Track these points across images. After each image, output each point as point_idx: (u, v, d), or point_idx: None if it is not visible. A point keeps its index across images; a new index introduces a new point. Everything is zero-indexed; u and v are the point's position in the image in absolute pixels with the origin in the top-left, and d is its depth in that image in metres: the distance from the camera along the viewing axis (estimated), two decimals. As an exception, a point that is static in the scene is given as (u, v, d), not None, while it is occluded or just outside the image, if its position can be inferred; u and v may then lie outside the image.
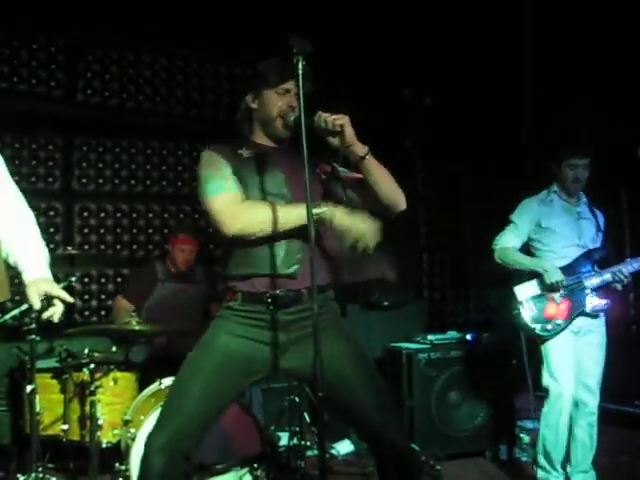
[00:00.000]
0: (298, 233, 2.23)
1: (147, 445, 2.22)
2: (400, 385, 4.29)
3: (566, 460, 3.63)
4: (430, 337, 4.54)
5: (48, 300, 2.36)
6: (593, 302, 3.56)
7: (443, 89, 5.72)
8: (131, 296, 4.52)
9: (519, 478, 3.89)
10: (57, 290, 2.38)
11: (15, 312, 3.70)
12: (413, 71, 5.58)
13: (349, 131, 2.28)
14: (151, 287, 4.47)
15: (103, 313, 5.21)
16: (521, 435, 4.38)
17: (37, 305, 2.32)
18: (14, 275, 2.50)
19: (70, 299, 2.42)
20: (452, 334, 4.63)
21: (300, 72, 2.08)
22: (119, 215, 5.34)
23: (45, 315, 2.37)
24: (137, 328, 3.67)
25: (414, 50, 5.25)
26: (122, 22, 4.86)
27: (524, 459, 3.78)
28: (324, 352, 2.11)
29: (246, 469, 3.34)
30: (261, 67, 2.48)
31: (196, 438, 2.28)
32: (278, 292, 2.31)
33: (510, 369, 4.37)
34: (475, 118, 5.61)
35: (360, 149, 2.33)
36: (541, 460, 3.63)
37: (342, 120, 2.27)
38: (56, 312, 2.38)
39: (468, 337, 4.58)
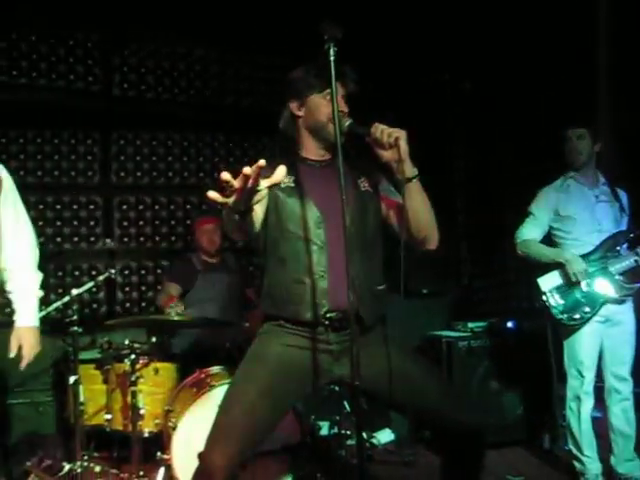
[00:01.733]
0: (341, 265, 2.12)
1: (206, 462, 2.16)
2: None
3: (608, 450, 3.58)
4: (470, 325, 4.50)
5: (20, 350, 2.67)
6: (620, 287, 3.48)
7: (483, 74, 5.63)
8: (176, 280, 4.53)
9: (561, 468, 3.83)
10: (28, 346, 2.68)
11: (58, 304, 3.78)
12: (452, 56, 5.50)
13: (404, 146, 2.22)
14: (190, 278, 4.50)
15: (143, 305, 5.28)
16: (563, 424, 4.31)
17: (12, 354, 2.65)
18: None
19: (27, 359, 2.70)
20: (493, 322, 4.57)
21: (332, 59, 2.05)
22: (157, 207, 5.40)
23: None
24: (177, 319, 3.70)
25: (453, 34, 5.16)
26: (156, 15, 4.88)
27: (567, 448, 3.73)
28: (376, 356, 2.22)
29: (287, 457, 3.35)
30: (303, 71, 2.41)
31: (254, 448, 2.26)
32: (335, 315, 2.29)
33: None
34: (515, 103, 5.50)
35: (410, 169, 2.26)
36: (572, 449, 3.59)
37: (399, 133, 2.21)
38: (22, 362, 2.69)
39: (509, 325, 4.52)
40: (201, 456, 2.20)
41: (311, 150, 2.45)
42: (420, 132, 2.44)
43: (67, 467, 3.51)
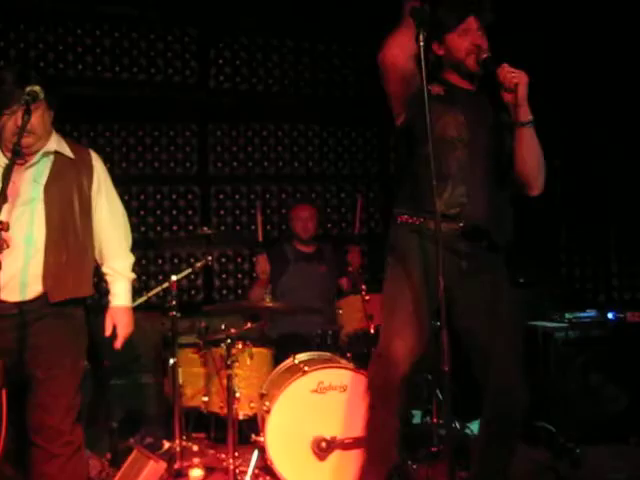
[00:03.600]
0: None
1: (389, 354, 2.35)
2: (536, 365, 4.15)
3: None
4: (568, 315, 4.34)
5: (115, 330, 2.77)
6: None
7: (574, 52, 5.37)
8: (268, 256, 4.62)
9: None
10: (122, 325, 2.77)
11: (158, 290, 3.94)
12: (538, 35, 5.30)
13: (522, 92, 2.31)
14: (282, 267, 4.58)
15: (239, 291, 5.40)
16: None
17: (108, 333, 2.75)
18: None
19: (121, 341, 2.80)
20: (592, 313, 4.41)
21: (421, 44, 2.09)
22: (253, 196, 5.50)
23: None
24: (271, 305, 3.77)
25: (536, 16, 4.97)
26: (249, 8, 4.98)
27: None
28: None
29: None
30: (437, 12, 2.50)
31: (423, 344, 2.42)
32: (471, 223, 2.43)
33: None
34: (610, 84, 5.23)
35: (524, 114, 2.36)
36: None
37: (518, 79, 2.30)
38: (117, 343, 2.78)
39: (610, 316, 4.35)
40: (381, 352, 2.38)
41: (457, 82, 2.58)
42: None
43: (167, 445, 3.66)
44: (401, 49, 2.36)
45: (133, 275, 2.88)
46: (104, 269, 2.81)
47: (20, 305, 2.50)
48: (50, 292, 2.53)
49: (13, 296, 2.49)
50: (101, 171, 2.78)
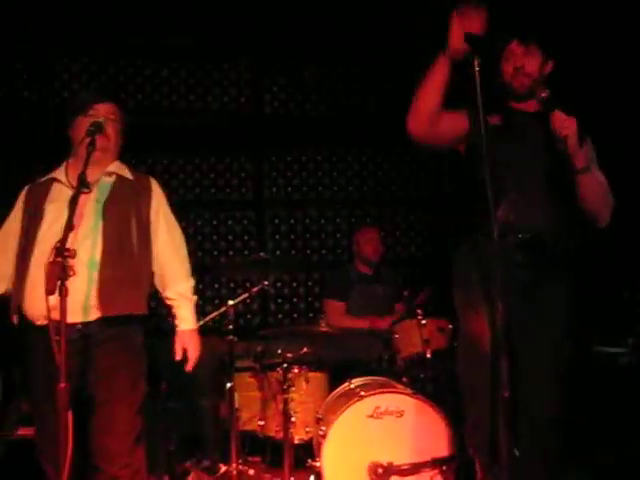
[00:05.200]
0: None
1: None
2: (597, 391, 4.04)
3: None
4: (632, 340, 4.24)
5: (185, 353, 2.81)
6: None
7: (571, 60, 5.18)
8: (336, 296, 4.65)
9: None
10: (192, 348, 2.81)
11: (215, 314, 3.98)
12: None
13: (572, 142, 2.34)
14: (347, 288, 4.61)
15: (295, 315, 5.42)
16: None
17: (178, 357, 2.79)
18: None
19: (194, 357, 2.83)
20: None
21: (477, 69, 2.09)
22: (308, 221, 5.54)
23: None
24: (326, 329, 3.77)
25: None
26: (300, 36, 5.07)
27: None
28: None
29: (437, 470, 3.30)
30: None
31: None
32: (526, 235, 2.48)
33: None
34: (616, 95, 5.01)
35: (579, 162, 2.38)
36: None
37: (568, 130, 2.33)
38: (188, 366, 2.82)
39: (674, 340, 4.22)
40: (478, 423, 2.50)
41: (517, 105, 2.63)
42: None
43: (223, 469, 3.66)
44: (420, 119, 2.50)
45: (195, 297, 2.90)
46: (167, 294, 2.83)
47: (82, 329, 2.56)
48: (103, 306, 2.56)
49: (76, 317, 2.54)
50: (160, 196, 2.85)
